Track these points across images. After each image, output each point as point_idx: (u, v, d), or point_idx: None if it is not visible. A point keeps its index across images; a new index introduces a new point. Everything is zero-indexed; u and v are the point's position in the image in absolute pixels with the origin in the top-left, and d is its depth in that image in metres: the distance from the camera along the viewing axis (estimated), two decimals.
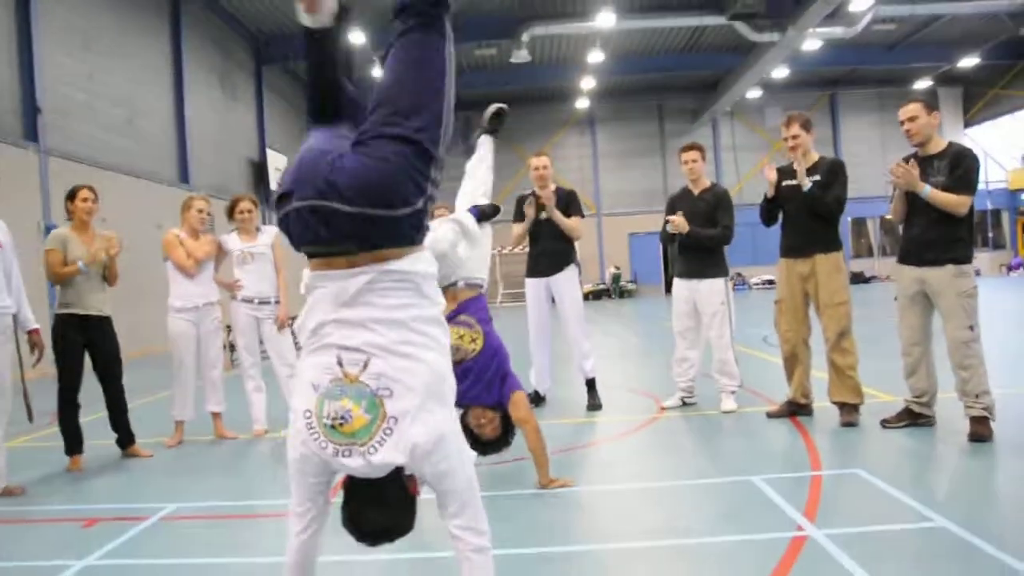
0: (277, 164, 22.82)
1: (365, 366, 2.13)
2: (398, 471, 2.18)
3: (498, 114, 4.92)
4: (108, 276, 5.87)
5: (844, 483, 4.20)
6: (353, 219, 2.12)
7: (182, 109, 18.19)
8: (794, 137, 5.70)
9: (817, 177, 5.62)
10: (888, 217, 30.09)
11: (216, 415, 6.48)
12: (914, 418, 5.28)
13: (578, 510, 4.08)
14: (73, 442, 5.62)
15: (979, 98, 31.72)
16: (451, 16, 2.25)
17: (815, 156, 5.77)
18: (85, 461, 5.63)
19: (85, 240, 5.74)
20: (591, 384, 6.75)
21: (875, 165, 29.34)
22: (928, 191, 4.94)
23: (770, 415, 5.89)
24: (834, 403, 5.60)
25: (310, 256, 2.26)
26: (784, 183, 5.78)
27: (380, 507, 2.22)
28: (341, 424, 2.12)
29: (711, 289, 6.32)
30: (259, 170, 22.34)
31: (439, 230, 4.06)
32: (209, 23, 19.87)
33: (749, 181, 29.76)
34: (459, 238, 4.16)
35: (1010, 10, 22.37)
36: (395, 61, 2.21)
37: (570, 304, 6.74)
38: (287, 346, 6.51)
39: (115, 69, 15.70)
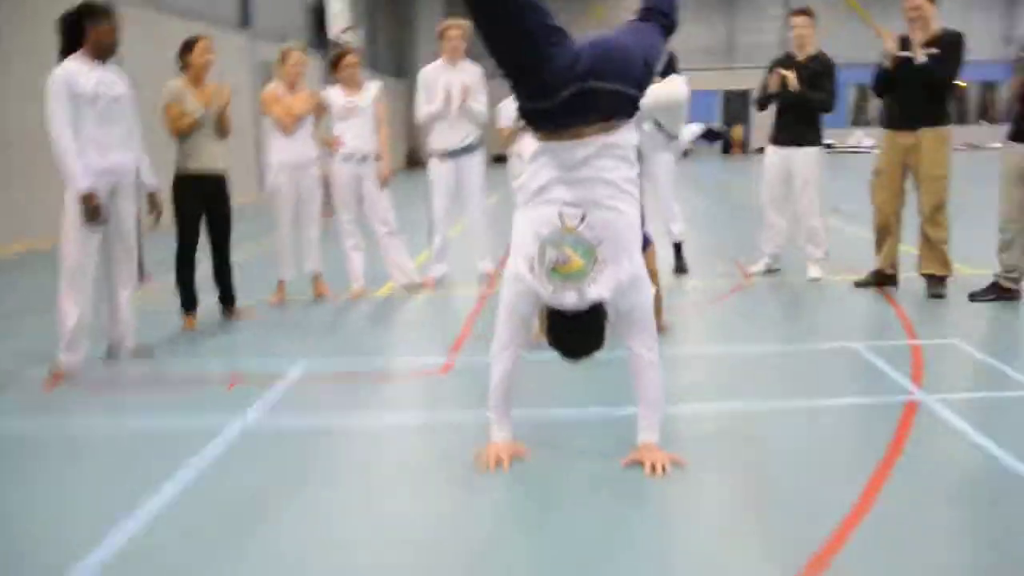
0: (337, 8, 22.37)
1: (582, 219, 2.70)
2: (597, 304, 2.75)
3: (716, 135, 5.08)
4: (221, 128, 5.82)
5: (943, 352, 4.40)
6: (620, 97, 2.74)
7: None
8: (915, 8, 5.57)
9: (935, 50, 5.52)
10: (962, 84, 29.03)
11: (316, 274, 6.61)
12: (1002, 292, 5.42)
13: (685, 369, 4.23)
14: (190, 300, 5.77)
15: None
16: None
17: (936, 28, 5.61)
18: (198, 320, 5.77)
19: (201, 94, 5.70)
20: (678, 247, 6.90)
21: (953, 23, 27.94)
22: None
23: (857, 284, 6.05)
24: (923, 275, 5.74)
25: (542, 128, 2.81)
26: (900, 53, 5.69)
27: (585, 332, 2.83)
28: (562, 266, 2.70)
29: (806, 157, 6.36)
30: (318, 15, 21.95)
31: (683, 85, 4.32)
32: None
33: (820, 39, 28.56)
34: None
35: None
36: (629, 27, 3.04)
37: (663, 165, 6.61)
38: (386, 204, 6.59)
39: None
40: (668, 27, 3.06)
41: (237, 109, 5.63)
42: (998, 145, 6.42)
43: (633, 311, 2.83)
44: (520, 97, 2.79)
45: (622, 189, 2.76)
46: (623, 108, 2.78)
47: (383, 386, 4.42)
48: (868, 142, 29.75)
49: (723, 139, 5.95)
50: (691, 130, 4.67)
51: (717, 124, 5.73)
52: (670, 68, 6.89)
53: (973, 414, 3.40)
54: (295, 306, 6.39)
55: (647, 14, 3.05)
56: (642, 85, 2.83)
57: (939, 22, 5.64)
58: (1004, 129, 5.75)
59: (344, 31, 22.22)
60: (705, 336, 5.06)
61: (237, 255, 6.08)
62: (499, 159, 8.03)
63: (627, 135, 2.80)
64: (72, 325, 4.66)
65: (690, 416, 3.57)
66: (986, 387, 3.78)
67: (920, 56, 5.50)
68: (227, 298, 6.02)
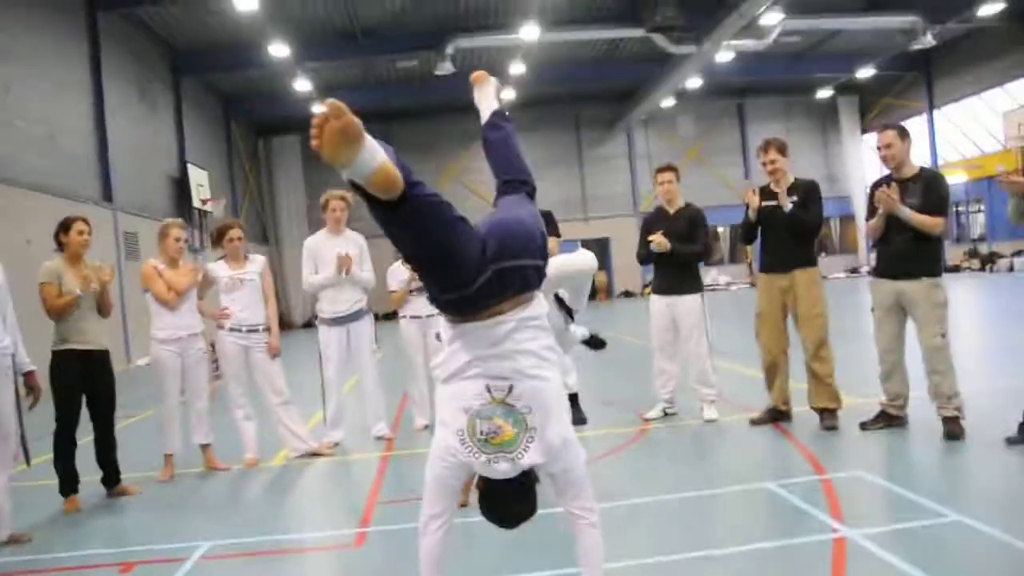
0: (198, 180, 22.32)
1: (510, 390, 2.70)
2: (527, 470, 2.74)
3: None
4: (102, 306, 5.75)
5: (852, 485, 4.55)
6: (529, 271, 2.79)
7: (103, 125, 17.59)
8: (772, 162, 6.11)
9: (795, 198, 6.01)
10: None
11: (205, 447, 6.39)
12: (890, 420, 5.71)
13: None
14: (69, 483, 5.48)
15: (874, 106, 33.39)
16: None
17: (791, 178, 6.16)
18: (80, 501, 5.48)
19: (78, 273, 5.59)
20: (574, 399, 6.93)
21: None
22: (908, 213, 5.39)
23: (753, 422, 6.25)
24: (815, 409, 6.00)
25: (460, 313, 2.77)
26: (763, 203, 6.14)
27: (518, 499, 2.82)
28: (494, 437, 2.68)
29: (690, 305, 6.64)
30: (180, 186, 21.82)
31: (591, 257, 4.33)
32: (127, 35, 19.25)
33: None
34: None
35: (902, 27, 23.77)
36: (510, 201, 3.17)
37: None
38: (277, 373, 6.48)
39: (31, 86, 15.07)
40: (532, 192, 3.26)
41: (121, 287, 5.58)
42: (840, 275, 6.82)
43: (568, 473, 2.83)
44: (434, 290, 2.80)
45: (544, 357, 2.79)
46: (533, 280, 2.85)
47: (296, 563, 4.21)
48: (723, 279, 31.54)
49: (603, 347, 6.21)
50: (580, 333, 4.85)
51: (599, 335, 5.96)
52: (549, 226, 7.19)
53: (899, 546, 3.49)
54: (186, 480, 6.13)
55: (513, 186, 3.24)
56: (544, 255, 2.92)
57: (791, 174, 6.16)
58: (839, 260, 6.21)
59: (205, 202, 22.14)
60: (614, 487, 5.01)
61: (130, 415, 5.74)
62: (388, 316, 8.02)
63: (540, 306, 2.87)
64: None
65: (620, 572, 3.48)
66: (902, 517, 3.90)
67: (787, 205, 5.95)
68: (111, 476, 5.78)
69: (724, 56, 23.54)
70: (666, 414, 6.82)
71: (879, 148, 5.62)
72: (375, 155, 2.34)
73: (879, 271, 5.76)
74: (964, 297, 17.25)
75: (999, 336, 11.05)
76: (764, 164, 6.18)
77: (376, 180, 2.35)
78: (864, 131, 33.51)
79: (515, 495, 2.81)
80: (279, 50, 19.94)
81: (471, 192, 30.70)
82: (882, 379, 5.74)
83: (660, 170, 6.96)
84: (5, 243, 8.20)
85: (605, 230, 32.10)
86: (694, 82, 26.66)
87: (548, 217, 7.19)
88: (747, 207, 6.27)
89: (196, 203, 21.85)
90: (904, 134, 5.57)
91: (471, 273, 2.65)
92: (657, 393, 6.86)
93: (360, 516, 4.78)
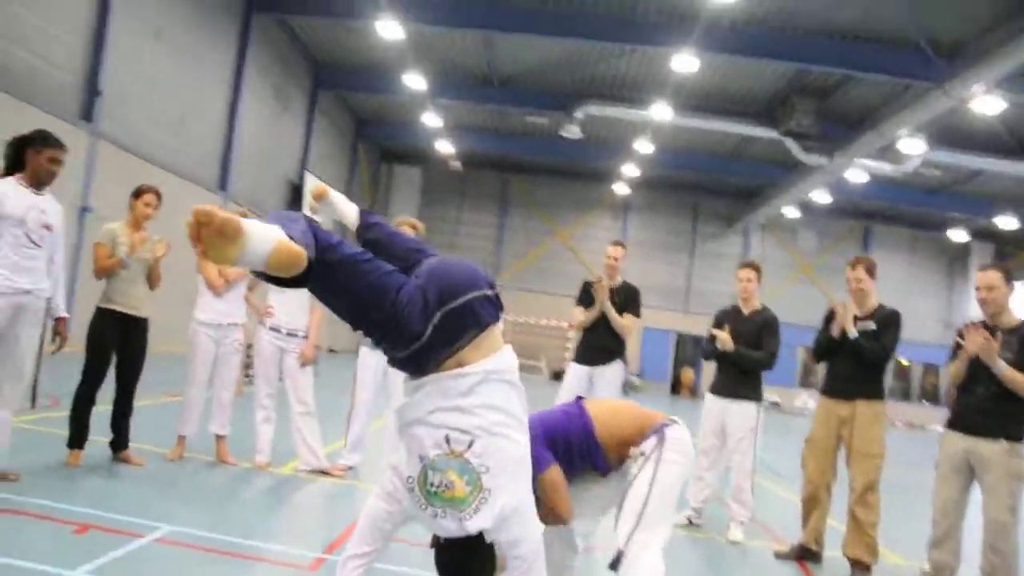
0: (309, 187, 22.93)
1: (470, 445, 2.52)
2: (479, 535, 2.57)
3: None
4: (151, 278, 5.85)
5: None
6: (478, 303, 2.62)
7: (234, 118, 18.38)
8: (858, 280, 5.65)
9: (873, 325, 5.54)
10: (904, 363, 29.87)
11: (220, 437, 6.34)
12: None
13: None
14: (79, 436, 5.55)
15: (1010, 258, 31.80)
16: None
17: (875, 303, 5.68)
18: (82, 457, 5.54)
19: (134, 239, 5.72)
20: None
21: (897, 305, 29.26)
22: (1003, 367, 4.78)
23: (778, 555, 5.71)
24: (847, 557, 5.43)
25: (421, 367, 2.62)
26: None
27: (469, 560, 2.66)
28: (444, 491, 2.51)
29: (743, 412, 6.21)
30: (295, 191, 22.46)
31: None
32: (275, 38, 20.17)
33: (771, 297, 29.62)
34: None
35: None
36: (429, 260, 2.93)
37: (609, 397, 6.63)
38: (306, 383, 6.40)
39: (178, 67, 15.92)
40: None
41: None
42: (938, 427, 6.26)
43: (515, 548, 2.61)
44: (388, 350, 2.64)
45: (513, 415, 2.64)
46: (487, 313, 2.65)
47: (242, 569, 4.05)
48: (813, 404, 30.19)
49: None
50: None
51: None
52: (634, 303, 6.97)
53: None
54: (192, 465, 6.09)
55: (415, 255, 2.97)
56: (490, 283, 2.71)
57: (876, 298, 5.69)
58: (942, 412, 5.65)
59: (315, 211, 22.65)
60: None
61: (149, 400, 5.76)
62: None
63: (509, 358, 2.71)
64: None
65: None
66: None
67: (852, 332, 5.48)
68: (119, 441, 5.82)
69: (856, 175, 22.86)
70: (690, 523, 6.34)
71: (978, 289, 5.09)
72: (264, 240, 2.27)
73: (952, 422, 5.18)
74: None
75: None
76: (849, 281, 5.74)
77: (272, 262, 2.28)
78: None
79: (468, 551, 2.64)
80: (414, 81, 20.44)
81: (577, 258, 30.63)
82: (930, 545, 5.11)
83: (742, 267, 6.62)
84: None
85: (703, 327, 31.22)
86: (821, 195, 25.95)
87: (634, 296, 7.00)
88: (826, 320, 5.81)
89: (306, 210, 22.34)
90: (1009, 278, 5.05)
91: (417, 324, 2.50)
92: (687, 498, 6.41)
93: (330, 542, 4.61)
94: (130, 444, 5.84)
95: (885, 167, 21.99)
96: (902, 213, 30.33)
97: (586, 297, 7.00)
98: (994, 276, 5.02)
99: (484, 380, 2.59)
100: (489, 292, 2.68)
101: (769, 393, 29.17)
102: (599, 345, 6.90)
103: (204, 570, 3.87)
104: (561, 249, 31.54)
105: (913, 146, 20.45)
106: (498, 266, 32.17)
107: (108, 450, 5.78)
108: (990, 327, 4.99)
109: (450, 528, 2.56)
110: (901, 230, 32.10)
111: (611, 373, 6.85)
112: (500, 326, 2.77)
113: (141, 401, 6.04)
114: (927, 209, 28.53)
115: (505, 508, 2.54)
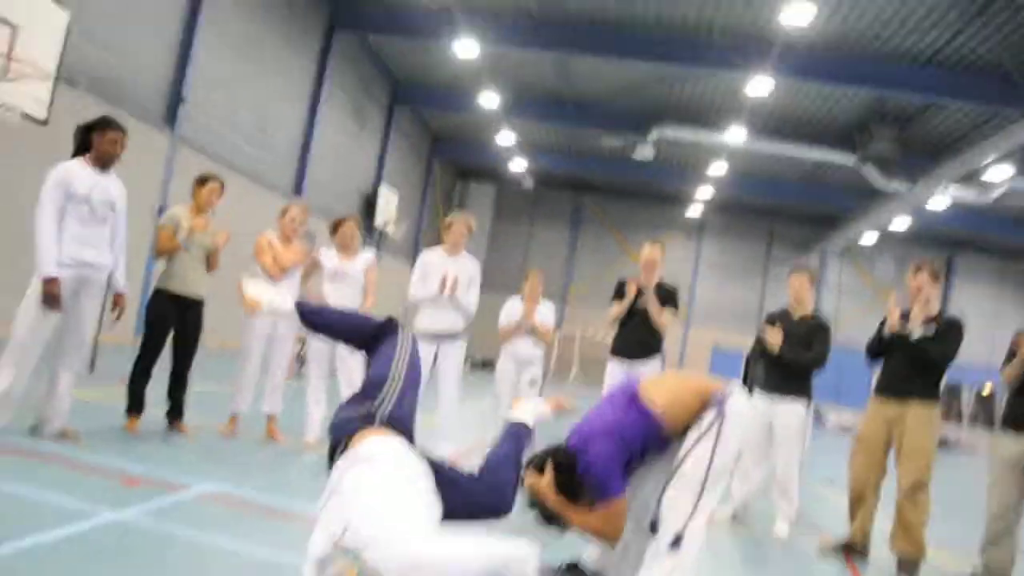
0: (387, 201, 23.42)
1: (344, 531, 2.50)
2: None
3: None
4: (210, 262, 6.11)
5: None
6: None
7: (311, 129, 18.97)
8: (919, 287, 5.52)
9: (919, 336, 5.41)
10: (984, 394, 28.85)
11: (271, 416, 6.54)
12: None
13: None
14: (136, 404, 5.81)
15: None
16: None
17: (936, 308, 5.54)
18: (140, 425, 5.79)
19: (195, 224, 5.99)
20: None
21: (982, 337, 28.23)
22: None
23: (823, 551, 5.59)
24: (894, 553, 5.29)
25: None
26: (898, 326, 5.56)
27: None
28: None
29: (791, 410, 6.12)
30: (369, 202, 22.96)
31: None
32: (355, 55, 20.76)
33: (846, 324, 28.96)
34: None
35: None
36: None
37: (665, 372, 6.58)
38: (356, 368, 6.51)
39: (259, 78, 16.56)
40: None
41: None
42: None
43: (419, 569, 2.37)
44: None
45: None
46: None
47: (283, 523, 4.18)
48: None
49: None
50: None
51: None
52: (672, 299, 6.93)
53: None
54: (243, 440, 6.28)
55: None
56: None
57: (939, 304, 5.56)
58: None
59: (386, 224, 23.16)
60: None
61: (208, 384, 5.99)
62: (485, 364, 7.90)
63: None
64: (1, 388, 4.77)
65: None
66: None
67: (917, 331, 5.36)
68: (174, 411, 6.06)
69: (938, 203, 22.23)
70: (735, 518, 6.26)
71: None
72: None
73: (1008, 422, 5.05)
74: None
75: None
76: (911, 285, 5.61)
77: None
78: None
79: None
80: (489, 100, 20.76)
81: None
82: (984, 545, 4.96)
83: (794, 271, 6.55)
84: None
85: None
86: (902, 222, 25.29)
87: (672, 294, 6.97)
88: (882, 324, 5.72)
89: (378, 222, 22.89)
90: None
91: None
92: (731, 493, 6.32)
93: None
94: (185, 420, 6.07)
95: (969, 194, 21.33)
96: (988, 242, 29.34)
97: (621, 293, 6.99)
98: None
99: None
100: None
101: (840, 414, 28.29)
102: (635, 339, 6.81)
103: (247, 524, 4.01)
104: (633, 270, 31.48)
105: (999, 173, 19.81)
106: (568, 284, 32.23)
107: (164, 421, 6.03)
108: None
109: None
110: (988, 260, 31.02)
111: (649, 371, 6.76)
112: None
113: (198, 386, 6.29)
114: (1015, 239, 27.52)
115: (400, 562, 2.36)
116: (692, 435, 3.49)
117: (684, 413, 3.50)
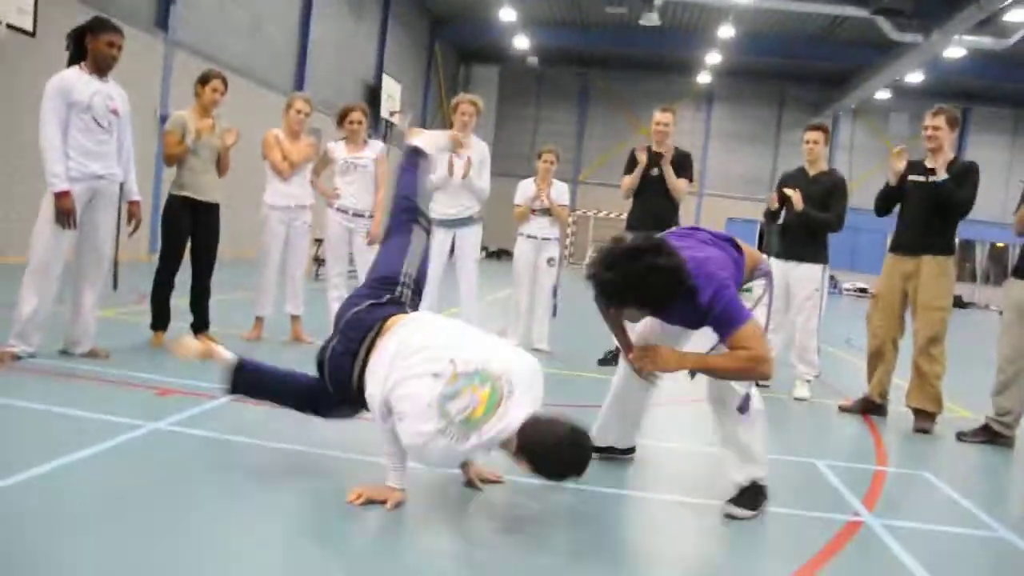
0: (390, 91, 23.01)
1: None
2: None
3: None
4: (220, 165, 5.98)
5: (908, 482, 4.10)
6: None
7: (308, 21, 18.48)
8: (935, 128, 5.36)
9: (946, 176, 5.31)
10: (999, 244, 28.67)
11: (295, 318, 6.59)
12: (993, 436, 5.05)
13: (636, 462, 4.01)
14: (160, 318, 5.81)
15: None
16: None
17: (950, 155, 5.40)
18: (166, 339, 5.74)
19: (202, 125, 5.82)
20: None
21: (996, 190, 27.92)
22: None
23: (842, 409, 5.74)
24: (910, 408, 5.41)
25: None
26: (910, 177, 5.51)
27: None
28: (472, 412, 2.65)
29: (807, 274, 6.15)
30: (372, 93, 22.58)
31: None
32: None
33: (860, 185, 28.62)
34: None
35: None
36: None
37: None
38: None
39: None
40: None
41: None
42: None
43: None
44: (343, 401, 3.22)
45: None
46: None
47: (312, 422, 4.22)
48: None
49: None
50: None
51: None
52: (686, 168, 6.86)
53: (915, 542, 3.07)
54: (269, 344, 6.32)
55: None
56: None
57: (952, 151, 5.46)
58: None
59: (393, 114, 22.80)
60: (668, 431, 4.76)
61: (227, 293, 5.99)
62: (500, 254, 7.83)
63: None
64: (27, 313, 4.76)
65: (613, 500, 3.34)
66: (939, 520, 3.44)
67: (942, 173, 5.25)
68: (199, 322, 6.02)
69: (954, 52, 21.60)
70: (757, 384, 6.37)
71: None
72: None
73: (1020, 270, 5.07)
74: None
75: None
76: (925, 129, 5.46)
77: None
78: None
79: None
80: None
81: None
82: (995, 391, 5.06)
83: (809, 128, 6.47)
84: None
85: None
86: (915, 76, 24.65)
87: (685, 161, 6.90)
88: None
89: (384, 113, 22.57)
90: None
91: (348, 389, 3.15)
92: None
93: None
94: (211, 328, 6.03)
95: (986, 41, 20.68)
96: (1005, 91, 28.57)
97: (632, 166, 6.89)
98: None
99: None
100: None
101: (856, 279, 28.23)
102: (651, 210, 6.71)
103: (277, 423, 4.05)
104: (644, 143, 31.06)
105: (1019, 14, 19.11)
106: (579, 163, 31.90)
107: (190, 333, 5.96)
108: None
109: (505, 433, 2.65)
110: (1003, 110, 30.34)
111: None
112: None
113: (218, 296, 6.25)
114: None
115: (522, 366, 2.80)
116: (746, 303, 3.34)
117: (747, 273, 3.40)
